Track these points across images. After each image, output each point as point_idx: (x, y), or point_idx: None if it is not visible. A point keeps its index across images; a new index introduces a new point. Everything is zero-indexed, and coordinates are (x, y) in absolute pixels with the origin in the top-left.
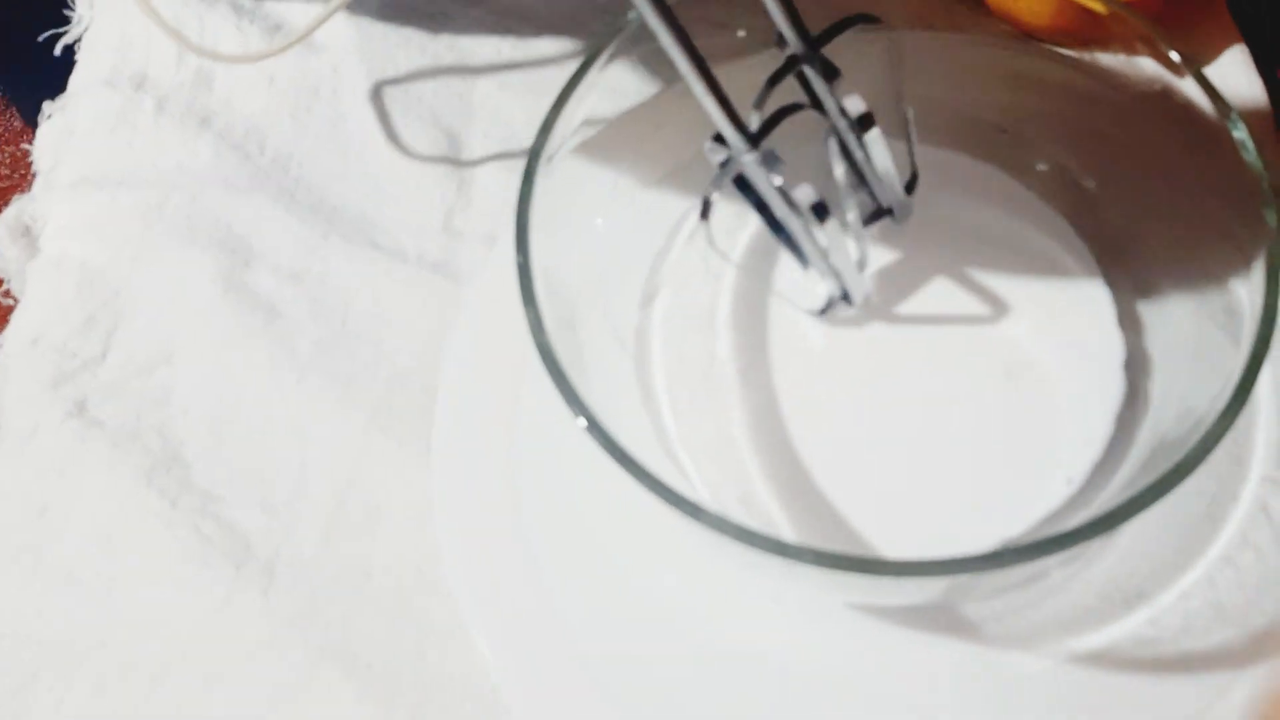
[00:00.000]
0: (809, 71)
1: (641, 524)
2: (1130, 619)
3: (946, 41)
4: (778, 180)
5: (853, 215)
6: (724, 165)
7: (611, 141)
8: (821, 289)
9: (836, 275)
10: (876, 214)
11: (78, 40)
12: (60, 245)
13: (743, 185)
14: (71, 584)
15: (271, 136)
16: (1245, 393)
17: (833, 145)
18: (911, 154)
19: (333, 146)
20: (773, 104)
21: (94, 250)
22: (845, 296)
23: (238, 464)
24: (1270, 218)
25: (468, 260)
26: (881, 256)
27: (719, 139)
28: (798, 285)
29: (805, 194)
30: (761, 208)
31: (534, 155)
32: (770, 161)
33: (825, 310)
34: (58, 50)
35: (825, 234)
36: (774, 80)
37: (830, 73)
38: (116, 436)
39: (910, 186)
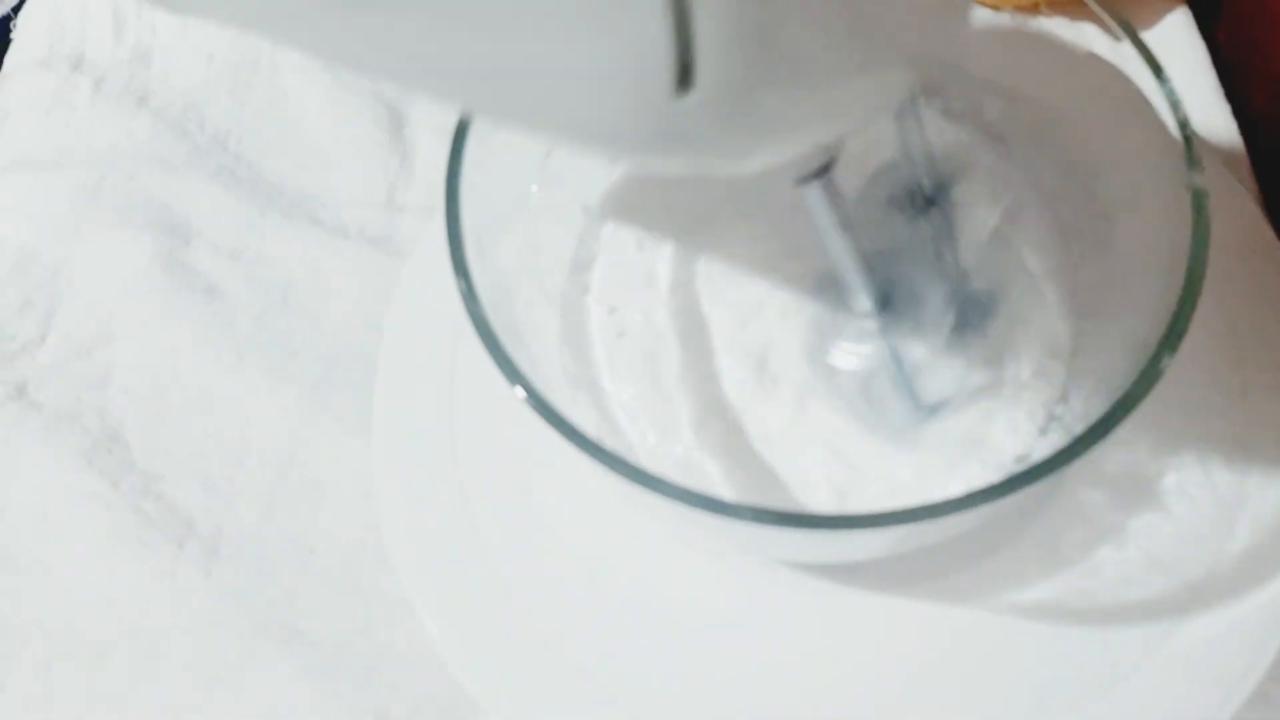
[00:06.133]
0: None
1: (583, 489)
2: (1068, 571)
3: None
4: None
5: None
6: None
7: None
8: None
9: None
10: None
11: (11, 21)
12: None
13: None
14: (12, 566)
15: (210, 114)
16: (1176, 338)
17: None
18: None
19: (272, 123)
20: None
21: (30, 232)
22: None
23: (179, 442)
24: (1197, 176)
25: (409, 235)
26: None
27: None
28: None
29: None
30: None
31: (462, 123)
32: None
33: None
34: None
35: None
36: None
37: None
38: (56, 418)
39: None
